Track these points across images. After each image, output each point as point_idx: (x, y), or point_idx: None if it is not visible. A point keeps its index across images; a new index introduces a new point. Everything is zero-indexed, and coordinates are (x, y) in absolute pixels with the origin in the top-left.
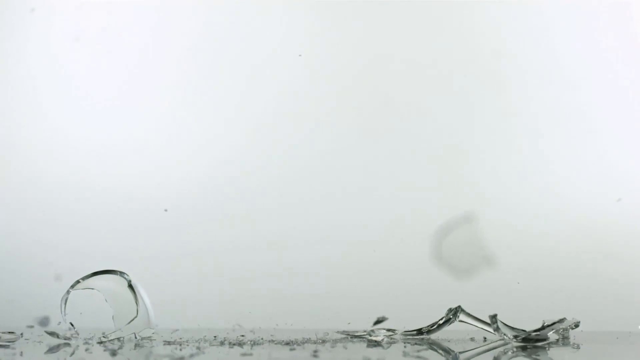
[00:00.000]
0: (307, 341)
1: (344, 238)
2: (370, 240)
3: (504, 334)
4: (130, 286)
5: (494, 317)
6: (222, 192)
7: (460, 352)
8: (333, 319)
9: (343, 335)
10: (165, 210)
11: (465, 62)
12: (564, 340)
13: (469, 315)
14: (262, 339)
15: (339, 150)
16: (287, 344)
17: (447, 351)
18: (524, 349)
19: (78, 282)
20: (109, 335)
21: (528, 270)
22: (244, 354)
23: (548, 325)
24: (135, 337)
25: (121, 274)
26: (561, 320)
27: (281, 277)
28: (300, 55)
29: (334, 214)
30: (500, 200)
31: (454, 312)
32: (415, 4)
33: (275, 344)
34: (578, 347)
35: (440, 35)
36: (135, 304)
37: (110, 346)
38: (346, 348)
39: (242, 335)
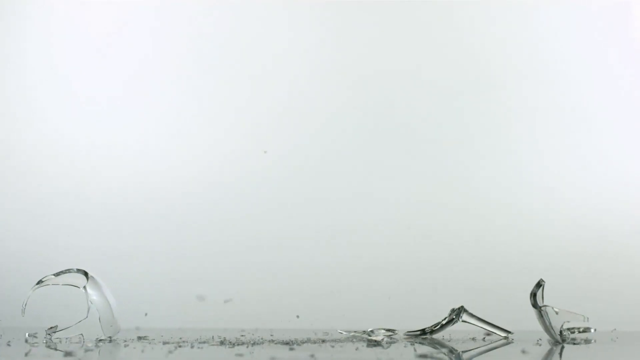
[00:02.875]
0: (307, 341)
1: (345, 239)
2: (372, 242)
3: (541, 302)
4: (85, 288)
5: (541, 281)
6: (223, 194)
7: (463, 352)
8: (333, 319)
9: (346, 334)
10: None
11: (464, 64)
12: (566, 337)
13: (472, 315)
14: (262, 339)
15: (341, 152)
16: (287, 343)
17: (450, 350)
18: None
19: (41, 281)
20: (52, 334)
21: (527, 270)
22: (242, 355)
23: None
24: (83, 339)
25: (85, 274)
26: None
27: (282, 278)
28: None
29: (335, 215)
30: (498, 200)
31: (457, 313)
32: (414, 7)
33: (275, 344)
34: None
35: (440, 38)
36: (87, 305)
37: (54, 345)
38: (356, 347)
39: (242, 335)
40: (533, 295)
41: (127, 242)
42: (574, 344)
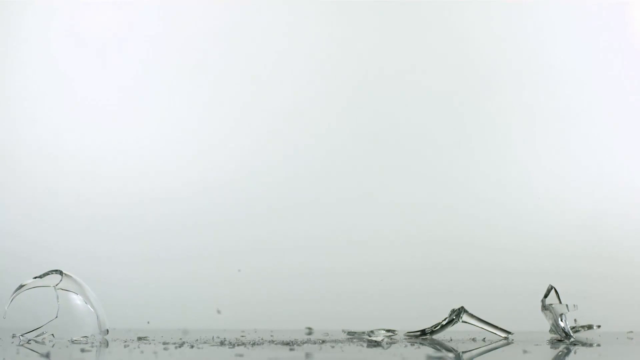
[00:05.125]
0: (307, 341)
1: (345, 241)
2: (371, 242)
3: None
4: (55, 288)
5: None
6: (223, 196)
7: (463, 352)
8: (333, 319)
9: (348, 336)
10: (148, 322)
11: (463, 66)
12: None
13: (472, 315)
14: (262, 339)
15: (341, 154)
16: (287, 344)
17: (450, 350)
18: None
19: (22, 285)
20: (25, 335)
21: (527, 270)
22: (242, 355)
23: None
24: (54, 339)
25: (60, 273)
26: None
27: (282, 279)
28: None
29: (335, 217)
30: (498, 201)
31: (457, 313)
32: (414, 9)
33: (275, 344)
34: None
35: (437, 40)
36: (57, 305)
37: (29, 346)
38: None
39: (242, 336)
40: (545, 302)
41: (126, 243)
42: (574, 344)
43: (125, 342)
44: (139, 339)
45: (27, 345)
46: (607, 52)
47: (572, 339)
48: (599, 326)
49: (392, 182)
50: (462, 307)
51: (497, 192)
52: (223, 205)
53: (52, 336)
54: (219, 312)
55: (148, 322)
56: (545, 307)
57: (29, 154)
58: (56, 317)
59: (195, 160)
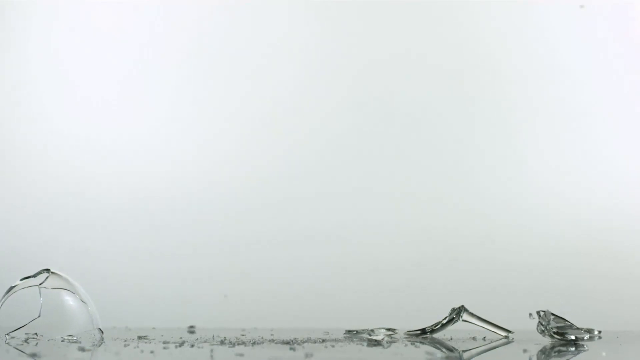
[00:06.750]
0: (307, 341)
1: (345, 238)
2: (371, 240)
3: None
4: (39, 287)
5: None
6: (223, 193)
7: (463, 351)
8: (333, 319)
9: (347, 335)
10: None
11: (466, 61)
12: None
13: (472, 314)
14: (262, 338)
15: (341, 150)
16: (287, 343)
17: (450, 350)
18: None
19: (12, 287)
20: (11, 333)
21: (527, 269)
22: (242, 354)
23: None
24: (36, 336)
25: (47, 271)
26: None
27: (282, 277)
28: (226, 296)
29: (335, 214)
30: (500, 199)
31: (458, 312)
32: (415, 3)
33: (275, 343)
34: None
35: (441, 35)
36: (40, 304)
37: (16, 345)
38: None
39: (243, 334)
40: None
41: (126, 242)
42: (576, 342)
43: (125, 341)
44: (139, 337)
45: (24, 344)
46: (611, 48)
47: (585, 337)
48: (599, 331)
49: (392, 179)
50: (463, 306)
51: (499, 190)
52: (221, 202)
53: (35, 335)
54: (225, 296)
55: (153, 328)
56: (543, 331)
57: (27, 153)
58: (39, 316)
59: (194, 156)
